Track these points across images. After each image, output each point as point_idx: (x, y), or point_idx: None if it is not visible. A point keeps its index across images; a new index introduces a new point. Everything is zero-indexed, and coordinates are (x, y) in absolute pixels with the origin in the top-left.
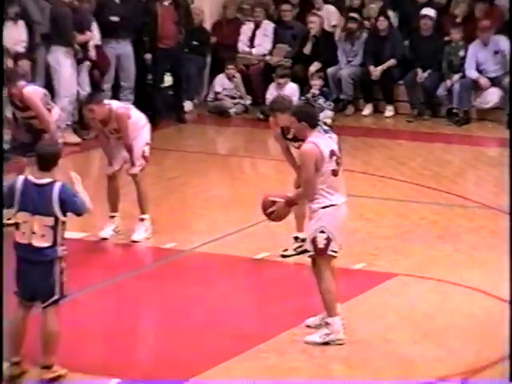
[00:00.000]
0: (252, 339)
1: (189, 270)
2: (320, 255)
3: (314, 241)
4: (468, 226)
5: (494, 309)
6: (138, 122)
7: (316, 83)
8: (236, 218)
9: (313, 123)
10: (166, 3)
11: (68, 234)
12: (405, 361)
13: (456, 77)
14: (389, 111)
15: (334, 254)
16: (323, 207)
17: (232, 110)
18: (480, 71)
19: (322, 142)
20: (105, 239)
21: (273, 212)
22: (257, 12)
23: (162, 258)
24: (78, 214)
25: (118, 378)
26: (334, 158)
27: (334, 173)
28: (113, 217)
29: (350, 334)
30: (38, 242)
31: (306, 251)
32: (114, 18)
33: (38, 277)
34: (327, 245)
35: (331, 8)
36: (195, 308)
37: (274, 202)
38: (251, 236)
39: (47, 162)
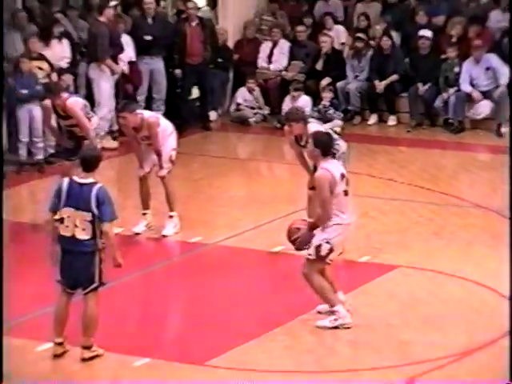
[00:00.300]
0: (269, 323)
1: (212, 261)
2: (319, 260)
3: (318, 248)
4: (462, 223)
5: (484, 297)
6: (166, 130)
7: (327, 96)
8: (254, 216)
9: (325, 152)
10: (193, 24)
11: None
12: (404, 343)
13: (452, 90)
14: (392, 121)
15: (329, 262)
16: (334, 224)
17: (252, 119)
18: (473, 85)
19: (332, 167)
20: (138, 234)
21: (297, 239)
22: (274, 32)
23: (188, 251)
24: (100, 219)
25: (148, 357)
26: (345, 179)
27: (346, 193)
28: (145, 214)
29: (356, 319)
30: (80, 235)
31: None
32: (148, 37)
33: (79, 266)
34: (328, 254)
35: (340, 29)
36: (218, 295)
37: (298, 229)
38: (268, 231)
39: (90, 165)
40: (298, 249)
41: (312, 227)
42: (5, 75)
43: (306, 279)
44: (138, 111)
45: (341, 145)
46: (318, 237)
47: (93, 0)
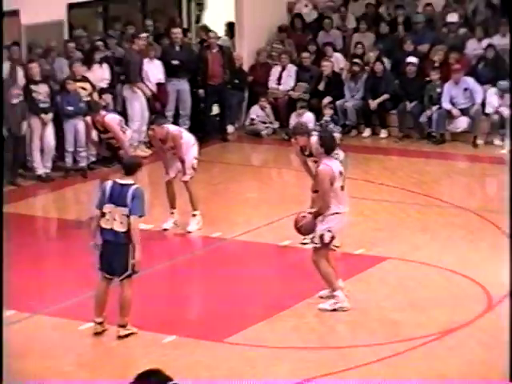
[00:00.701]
0: (278, 306)
1: (230, 253)
2: (324, 248)
3: (322, 237)
4: (443, 221)
5: (461, 284)
6: (189, 141)
7: (328, 112)
8: (265, 214)
9: (328, 151)
10: (214, 51)
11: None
12: (394, 323)
13: (434, 108)
14: (383, 133)
15: (333, 247)
16: (332, 214)
17: (264, 132)
18: (453, 104)
19: (333, 164)
20: (166, 230)
21: (302, 225)
22: (283, 58)
23: (209, 245)
24: (130, 212)
25: (175, 335)
26: (342, 176)
27: (342, 188)
28: (172, 213)
29: (353, 303)
30: (118, 228)
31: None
32: (175, 62)
33: (116, 256)
34: (331, 241)
35: (339, 55)
36: (235, 282)
37: (304, 217)
38: (277, 228)
39: (130, 169)
40: (302, 234)
41: (315, 215)
42: (54, 94)
43: (315, 265)
44: (165, 125)
45: (339, 154)
46: (321, 227)
47: (128, 31)
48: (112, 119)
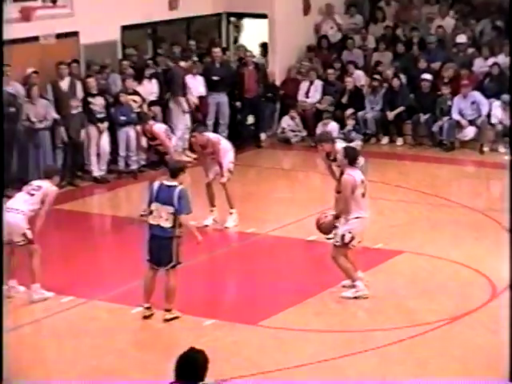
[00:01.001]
0: (305, 294)
1: (263, 247)
2: (343, 247)
3: (343, 237)
4: (452, 219)
5: (468, 276)
6: (226, 148)
7: (350, 122)
8: (294, 212)
9: (351, 162)
10: (250, 68)
11: None
12: (409, 310)
13: (445, 119)
14: (399, 141)
15: (352, 247)
16: (354, 217)
17: (293, 140)
18: (461, 115)
19: (356, 174)
20: (207, 226)
21: (323, 223)
22: (311, 74)
23: (245, 239)
24: (179, 212)
25: (214, 319)
26: (363, 184)
27: (363, 195)
28: (212, 211)
29: (372, 291)
30: (164, 224)
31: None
32: (215, 78)
33: (162, 248)
34: (350, 241)
35: (360, 72)
36: (267, 272)
37: (326, 217)
38: (304, 225)
39: (175, 172)
40: (322, 231)
41: (335, 216)
42: (109, 106)
43: (334, 261)
44: (205, 133)
45: (360, 160)
46: (343, 228)
47: (174, 50)
48: (159, 128)
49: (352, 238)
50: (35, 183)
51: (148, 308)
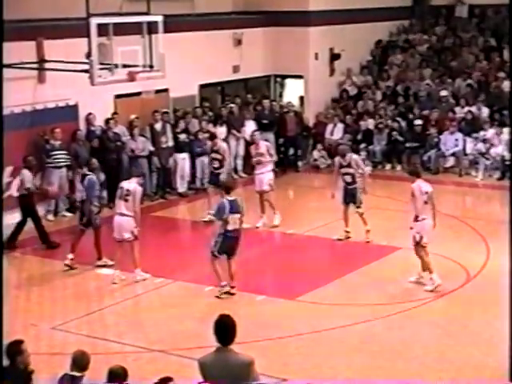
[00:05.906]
0: (330, 277)
1: (300, 243)
2: (417, 245)
3: (414, 237)
4: (438, 224)
5: (450, 266)
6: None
7: (363, 154)
8: (323, 218)
9: (417, 175)
10: (290, 114)
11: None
12: (405, 289)
13: (433, 151)
14: (398, 167)
15: (424, 244)
16: (418, 220)
17: (321, 166)
18: (446, 149)
19: (422, 184)
20: (257, 227)
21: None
22: (334, 119)
23: (286, 238)
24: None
25: (264, 295)
26: (425, 195)
27: (426, 202)
28: (261, 216)
29: (380, 277)
30: (236, 227)
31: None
32: (265, 121)
33: (233, 244)
34: (420, 240)
35: (370, 120)
36: (303, 260)
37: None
38: (331, 227)
39: (228, 188)
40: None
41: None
42: (190, 141)
43: (418, 256)
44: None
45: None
46: (412, 231)
47: (236, 101)
48: (225, 147)
49: (421, 237)
50: (125, 187)
51: (223, 286)
